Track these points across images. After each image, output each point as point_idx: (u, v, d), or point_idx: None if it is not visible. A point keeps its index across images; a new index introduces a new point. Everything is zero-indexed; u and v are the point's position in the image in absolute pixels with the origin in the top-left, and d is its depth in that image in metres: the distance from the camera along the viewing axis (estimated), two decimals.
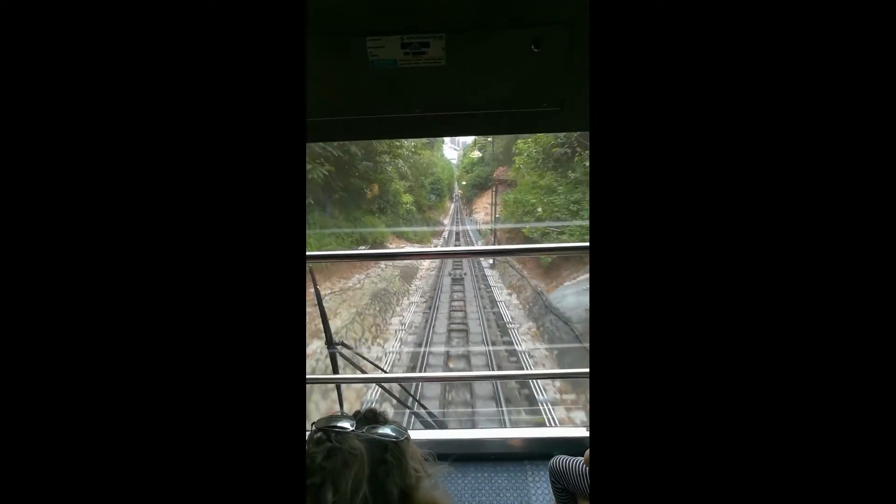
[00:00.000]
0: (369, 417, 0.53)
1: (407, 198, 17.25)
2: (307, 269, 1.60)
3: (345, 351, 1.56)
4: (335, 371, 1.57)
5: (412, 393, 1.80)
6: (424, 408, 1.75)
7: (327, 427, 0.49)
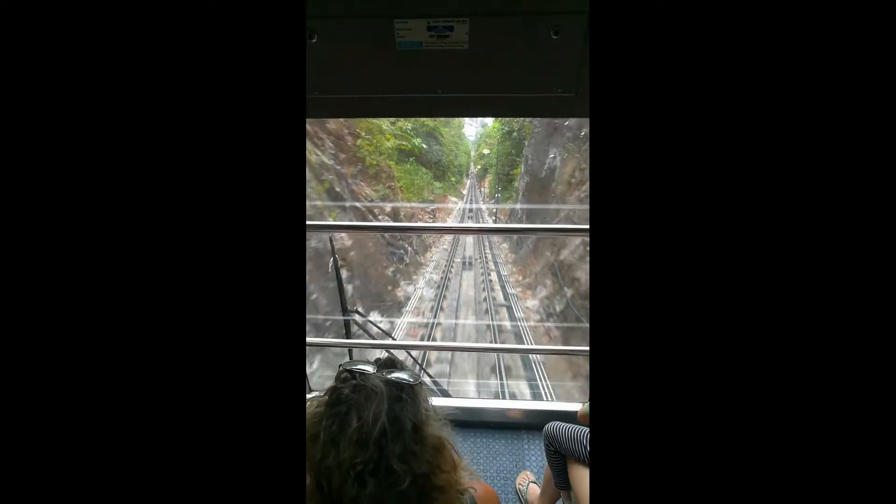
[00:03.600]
0: (388, 364, 0.59)
1: (452, 177, 30.83)
2: (328, 238, 1.66)
3: (358, 318, 1.64)
4: (348, 336, 1.66)
5: (419, 362, 1.88)
6: (430, 376, 1.84)
7: (353, 368, 0.56)
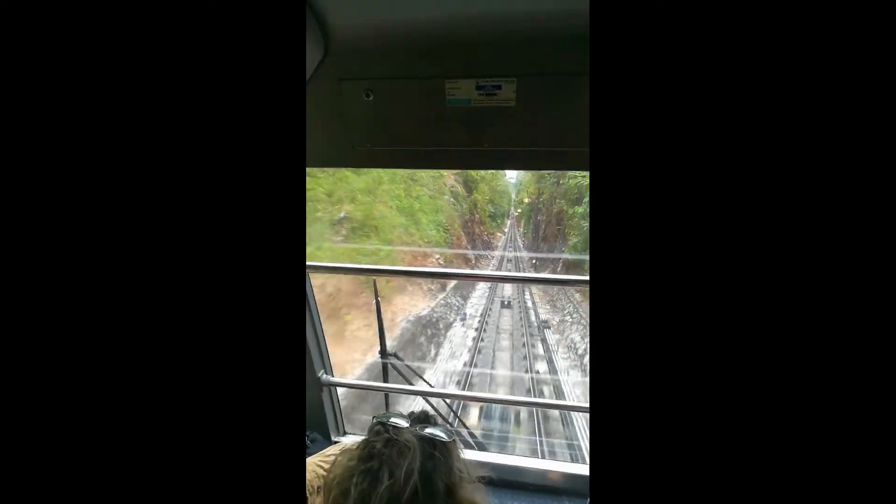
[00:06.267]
0: (422, 418, 0.58)
1: (498, 220, 34.18)
2: (373, 281, 1.69)
3: (397, 363, 1.62)
4: (385, 380, 1.64)
5: (455, 411, 1.81)
6: (465, 426, 1.76)
7: (386, 421, 0.55)
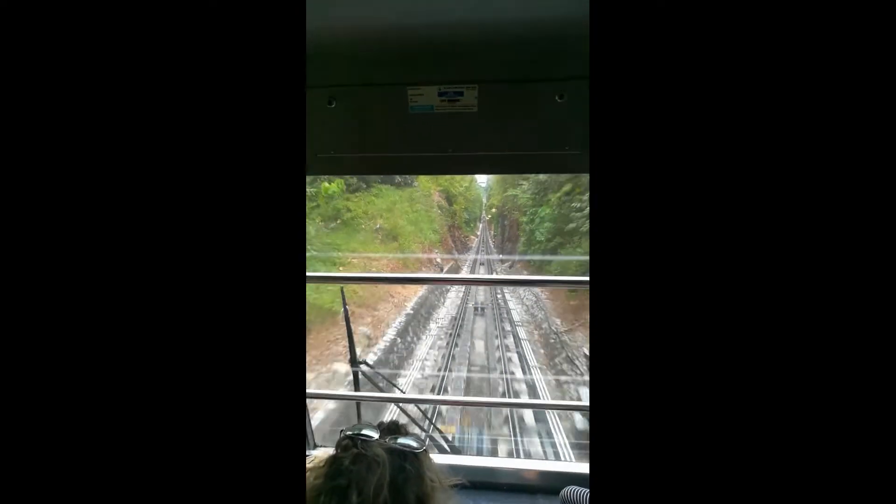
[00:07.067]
0: (392, 428, 0.53)
1: (472, 224, 34.75)
2: (340, 289, 1.65)
3: (366, 370, 1.58)
4: (356, 389, 1.57)
5: (429, 416, 1.80)
6: (440, 431, 1.75)
7: (354, 434, 0.49)
